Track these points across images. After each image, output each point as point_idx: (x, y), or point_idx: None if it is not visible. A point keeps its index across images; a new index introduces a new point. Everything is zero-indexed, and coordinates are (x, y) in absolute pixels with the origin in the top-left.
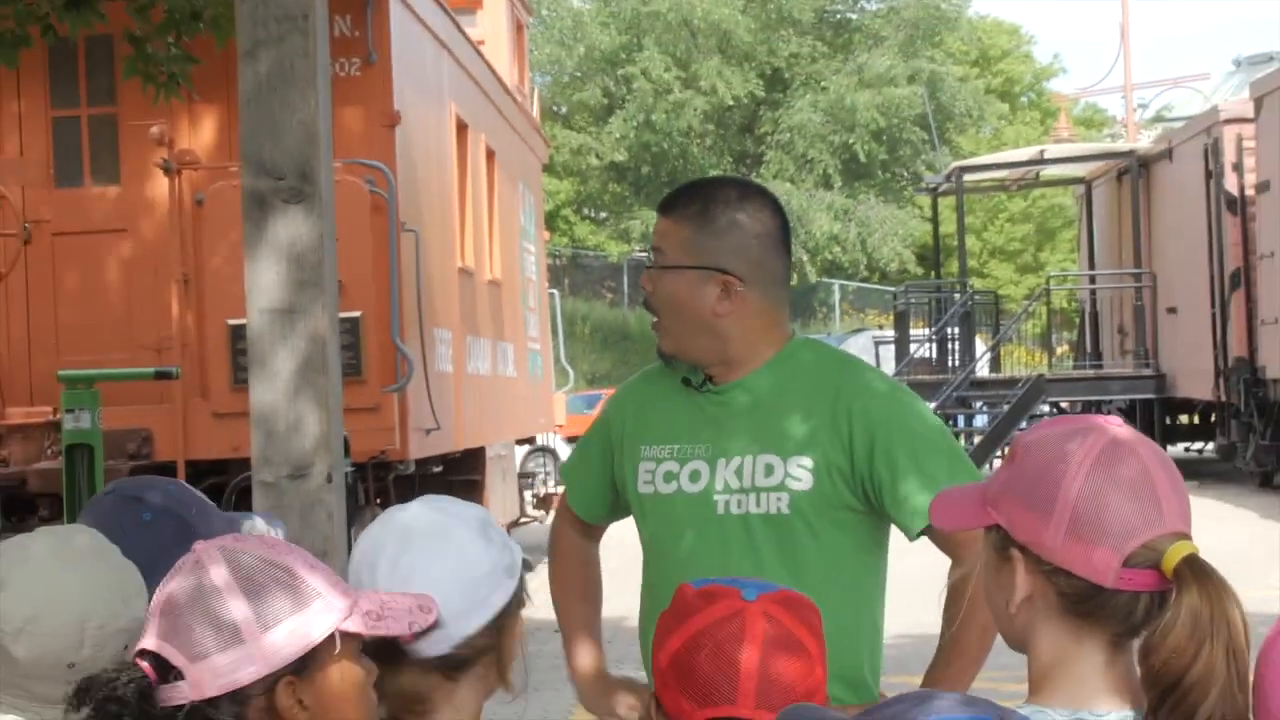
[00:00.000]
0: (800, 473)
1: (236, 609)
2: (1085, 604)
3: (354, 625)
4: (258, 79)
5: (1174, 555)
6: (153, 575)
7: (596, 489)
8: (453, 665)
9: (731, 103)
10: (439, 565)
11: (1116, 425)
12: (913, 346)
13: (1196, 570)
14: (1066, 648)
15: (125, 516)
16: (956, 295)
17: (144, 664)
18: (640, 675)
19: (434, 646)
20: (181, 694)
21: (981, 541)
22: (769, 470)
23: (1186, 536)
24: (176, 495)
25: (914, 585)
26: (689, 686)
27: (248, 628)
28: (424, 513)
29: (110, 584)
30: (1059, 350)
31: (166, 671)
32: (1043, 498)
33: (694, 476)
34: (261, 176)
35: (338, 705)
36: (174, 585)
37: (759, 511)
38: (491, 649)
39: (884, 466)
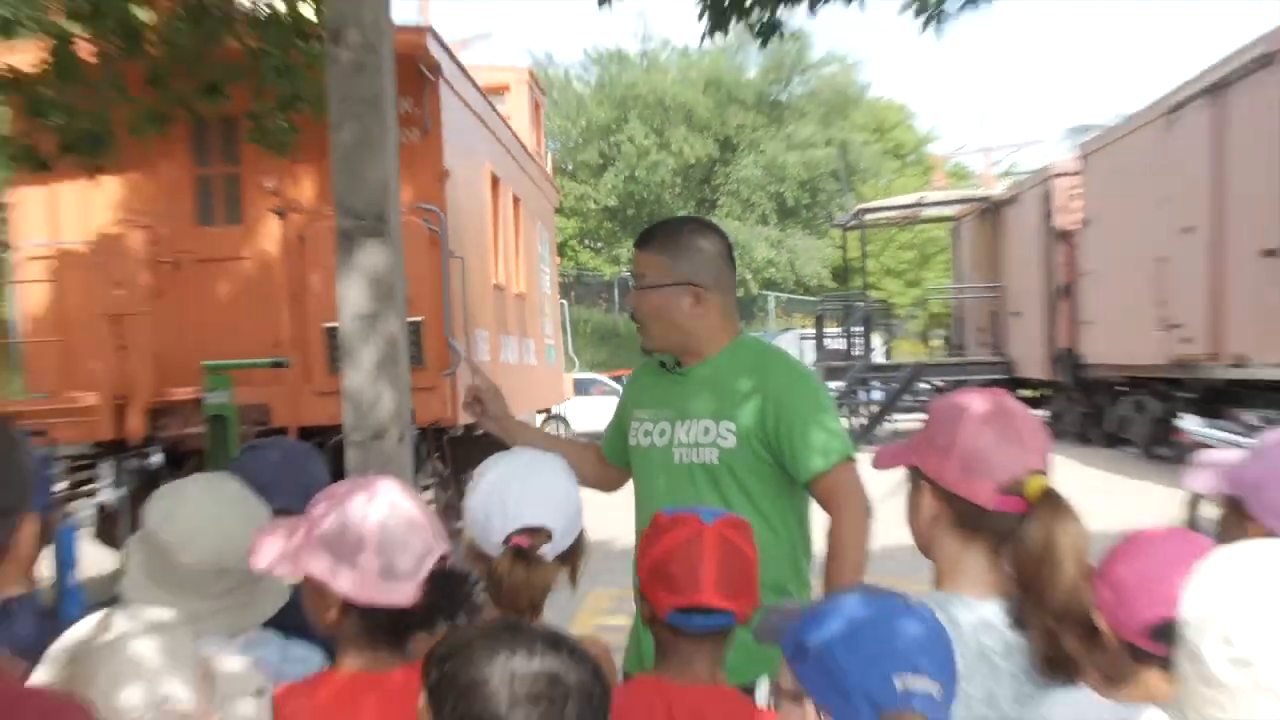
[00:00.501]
0: (727, 434)
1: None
2: (972, 521)
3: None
4: (344, 146)
5: (1034, 486)
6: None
7: (616, 440)
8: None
9: (694, 161)
10: (559, 492)
11: (1001, 394)
12: (827, 342)
13: (1049, 497)
14: (959, 554)
15: (258, 464)
16: (860, 303)
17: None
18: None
19: (550, 553)
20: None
21: (849, 495)
22: (706, 431)
23: (1044, 473)
24: (292, 450)
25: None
26: (665, 584)
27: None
28: (539, 456)
29: (245, 514)
30: (934, 343)
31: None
32: (944, 443)
33: (661, 434)
34: (349, 218)
35: None
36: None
37: (699, 462)
38: (570, 559)
39: (785, 433)
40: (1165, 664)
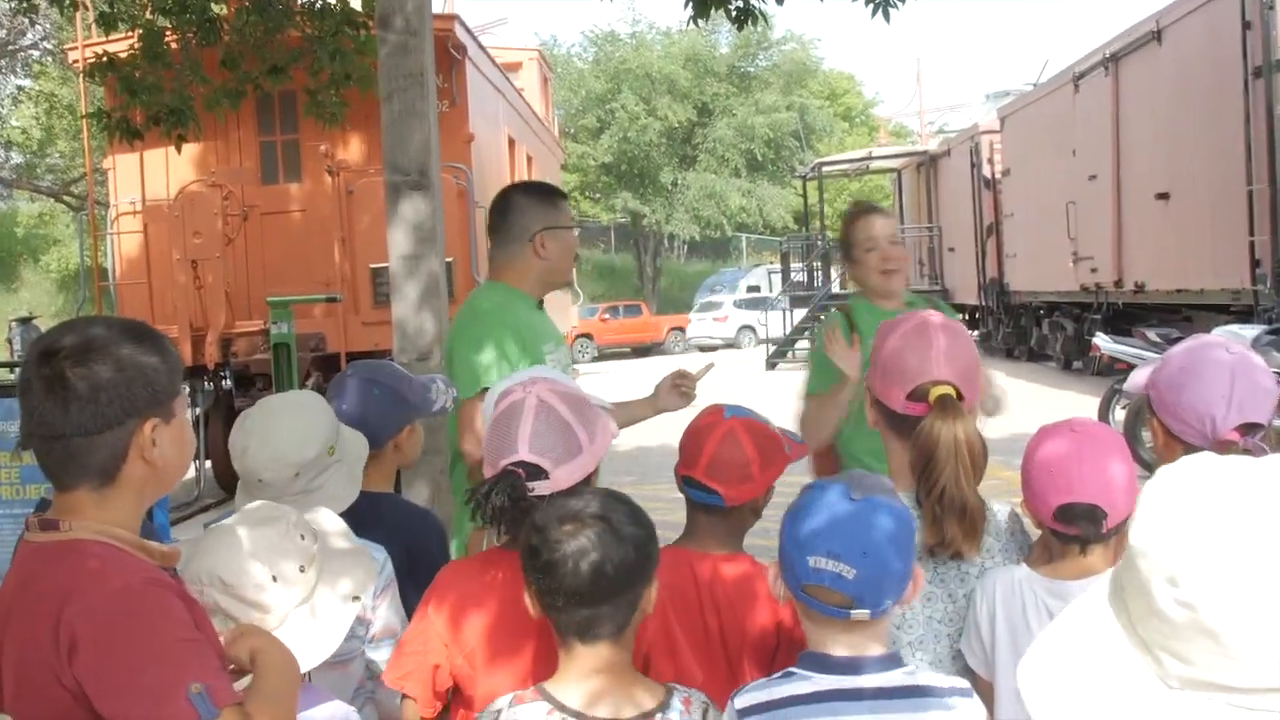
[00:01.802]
0: None
1: (580, 432)
2: (893, 422)
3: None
4: (393, 114)
5: (933, 392)
6: (373, 426)
7: None
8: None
9: (676, 125)
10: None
11: (933, 316)
12: (792, 275)
13: (943, 402)
14: (893, 451)
15: (361, 391)
16: (819, 242)
17: (519, 470)
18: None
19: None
20: (545, 487)
21: None
22: None
23: (946, 383)
24: (391, 375)
25: None
26: (682, 453)
27: (585, 444)
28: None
29: (315, 423)
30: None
31: (537, 474)
32: (874, 357)
33: None
34: (396, 174)
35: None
36: (529, 419)
37: None
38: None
39: None
40: (1082, 542)
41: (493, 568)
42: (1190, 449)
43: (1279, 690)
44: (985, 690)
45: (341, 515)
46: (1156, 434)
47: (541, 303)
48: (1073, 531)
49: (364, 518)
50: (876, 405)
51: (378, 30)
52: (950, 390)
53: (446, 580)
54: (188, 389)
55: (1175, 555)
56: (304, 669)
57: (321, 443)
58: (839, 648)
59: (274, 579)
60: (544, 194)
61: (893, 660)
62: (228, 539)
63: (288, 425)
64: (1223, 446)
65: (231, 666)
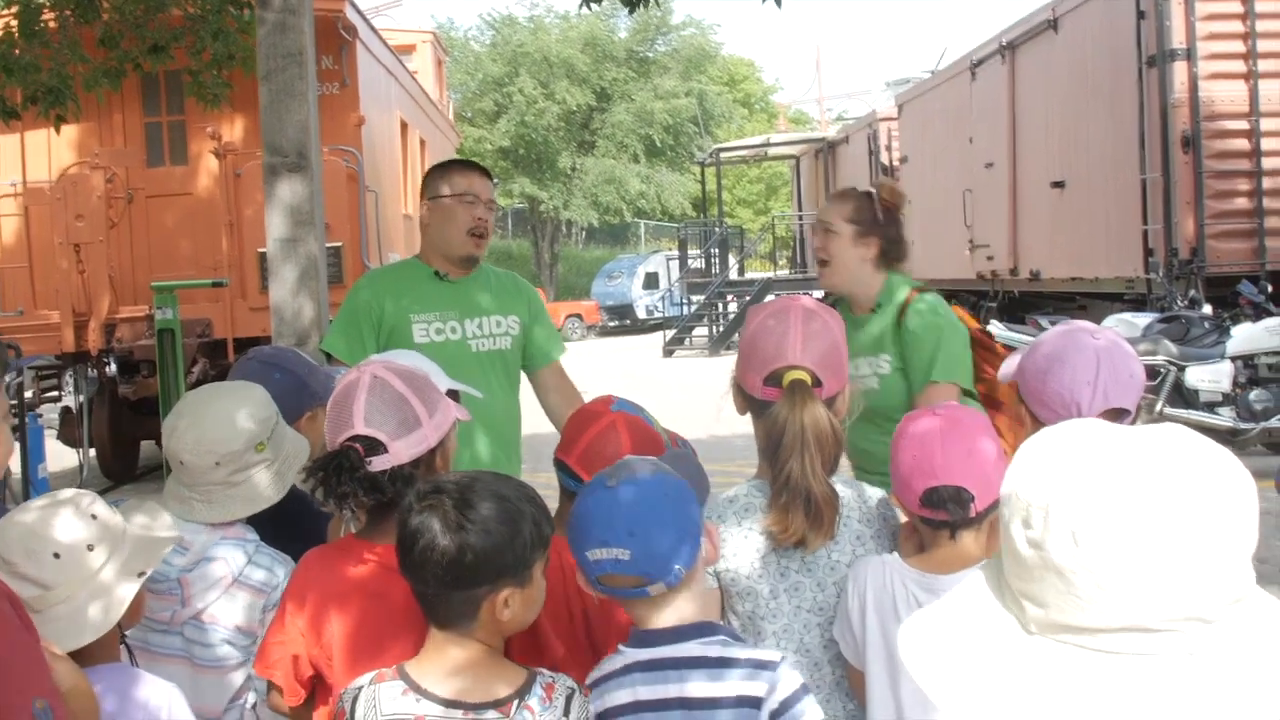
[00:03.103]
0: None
1: (416, 405)
2: (754, 408)
3: (458, 414)
4: (271, 93)
5: (786, 377)
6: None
7: None
8: None
9: (575, 109)
10: None
11: (804, 300)
12: (690, 261)
13: (794, 387)
14: (758, 437)
15: (262, 375)
16: (716, 229)
17: (355, 445)
18: None
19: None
20: (384, 461)
21: None
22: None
23: (801, 368)
24: (294, 361)
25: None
26: (562, 437)
27: (424, 418)
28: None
29: (248, 416)
30: (780, 262)
31: (374, 448)
32: (740, 342)
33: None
34: (274, 155)
35: (452, 459)
36: (363, 394)
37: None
38: None
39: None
40: (951, 526)
41: (347, 556)
42: None
43: (1125, 630)
44: (858, 679)
45: (268, 514)
46: (1023, 421)
47: (451, 274)
48: (940, 516)
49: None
50: (737, 390)
51: (257, 9)
52: (804, 375)
53: (301, 572)
54: (70, 376)
55: (1029, 496)
56: (83, 642)
57: (248, 437)
58: (647, 622)
59: (55, 555)
60: (441, 166)
61: (699, 630)
62: (15, 519)
63: (218, 412)
64: None
65: None
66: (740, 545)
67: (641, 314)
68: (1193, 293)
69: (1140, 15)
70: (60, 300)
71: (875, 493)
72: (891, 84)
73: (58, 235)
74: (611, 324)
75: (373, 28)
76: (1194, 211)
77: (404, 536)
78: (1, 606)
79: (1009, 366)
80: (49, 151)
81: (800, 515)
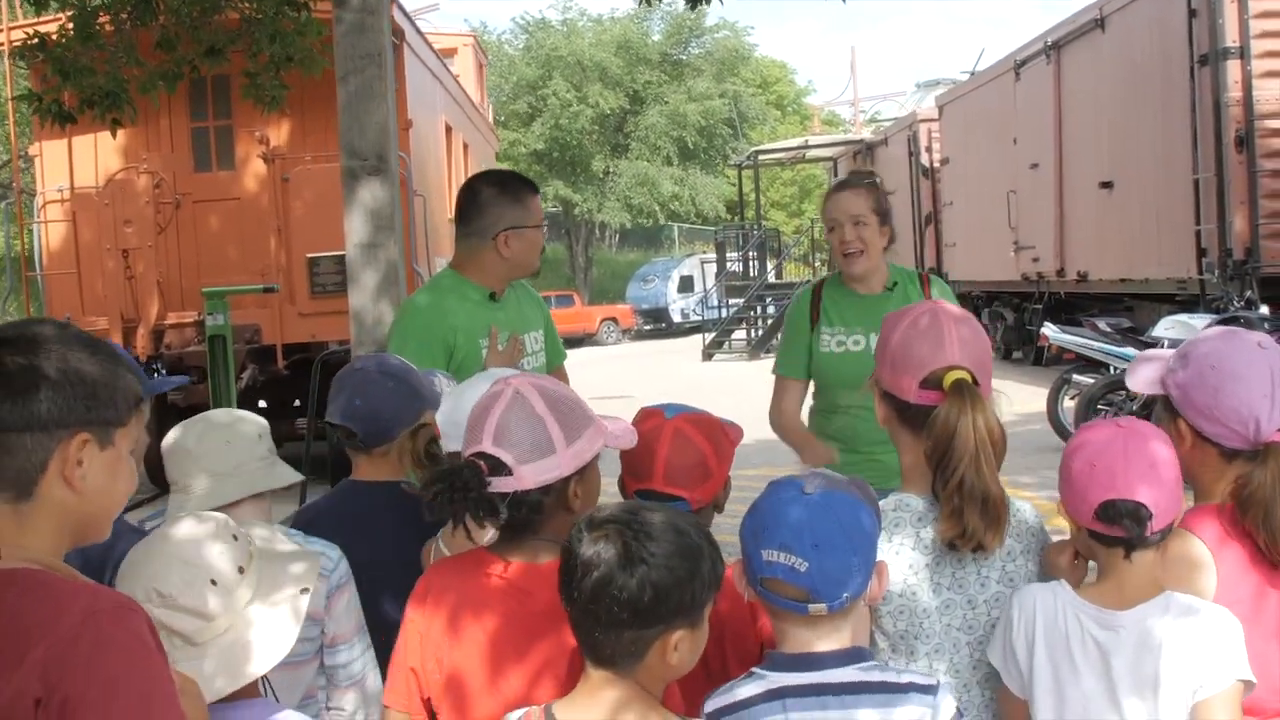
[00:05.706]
0: None
1: (554, 429)
2: (905, 415)
3: (605, 443)
4: (349, 95)
5: (948, 378)
6: (388, 418)
7: None
8: None
9: (608, 112)
10: None
11: (945, 304)
12: (727, 264)
13: (959, 387)
14: (905, 447)
15: (379, 385)
16: (755, 231)
17: (480, 462)
18: None
19: None
20: (507, 484)
21: None
22: None
23: (962, 368)
24: (400, 366)
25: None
26: (628, 468)
27: (559, 444)
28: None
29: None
30: (818, 264)
31: (498, 469)
32: (881, 349)
33: None
34: (353, 158)
35: (595, 495)
36: (500, 409)
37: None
38: None
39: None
40: (1126, 546)
41: (479, 568)
42: (1226, 452)
43: None
44: (1017, 709)
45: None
46: (1184, 437)
47: (501, 292)
48: (1115, 532)
49: (380, 505)
50: (886, 399)
51: (334, 9)
52: (966, 375)
53: (434, 578)
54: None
55: None
56: (260, 672)
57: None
58: (800, 643)
59: (213, 583)
60: (513, 191)
61: (853, 655)
62: (157, 548)
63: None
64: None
65: None
66: (891, 561)
67: (677, 318)
68: (1249, 293)
69: (1192, 14)
70: (109, 306)
71: (1023, 505)
72: (923, 85)
73: (105, 241)
74: (646, 328)
75: (419, 30)
76: (1248, 211)
77: (572, 567)
78: (148, 639)
79: (1145, 375)
80: (96, 157)
81: (976, 517)
